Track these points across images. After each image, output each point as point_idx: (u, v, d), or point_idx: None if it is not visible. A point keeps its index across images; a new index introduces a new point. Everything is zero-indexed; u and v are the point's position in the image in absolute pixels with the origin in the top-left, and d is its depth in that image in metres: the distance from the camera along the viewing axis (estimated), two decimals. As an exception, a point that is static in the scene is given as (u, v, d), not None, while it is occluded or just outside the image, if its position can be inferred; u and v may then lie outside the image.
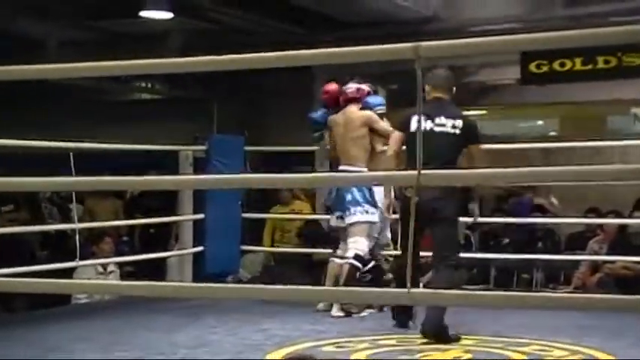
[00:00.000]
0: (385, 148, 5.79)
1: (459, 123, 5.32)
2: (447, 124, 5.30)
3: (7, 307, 7.23)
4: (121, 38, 10.07)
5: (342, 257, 6.08)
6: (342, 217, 6.11)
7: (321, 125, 6.52)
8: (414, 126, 5.21)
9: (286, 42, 6.91)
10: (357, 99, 6.28)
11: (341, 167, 6.17)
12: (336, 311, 5.93)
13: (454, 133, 5.29)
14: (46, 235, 8.77)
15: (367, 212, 6.00)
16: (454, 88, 5.58)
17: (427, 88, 5.41)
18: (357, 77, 6.40)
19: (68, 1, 9.10)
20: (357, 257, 5.91)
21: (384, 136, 5.93)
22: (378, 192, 6.03)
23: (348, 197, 6.03)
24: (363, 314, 5.96)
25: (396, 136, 5.48)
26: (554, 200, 9.51)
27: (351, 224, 6.02)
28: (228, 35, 9.80)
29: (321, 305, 6.02)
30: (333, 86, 6.46)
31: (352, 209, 6.02)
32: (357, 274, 5.90)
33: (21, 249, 8.09)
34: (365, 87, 6.34)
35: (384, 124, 6.13)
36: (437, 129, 5.26)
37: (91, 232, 8.01)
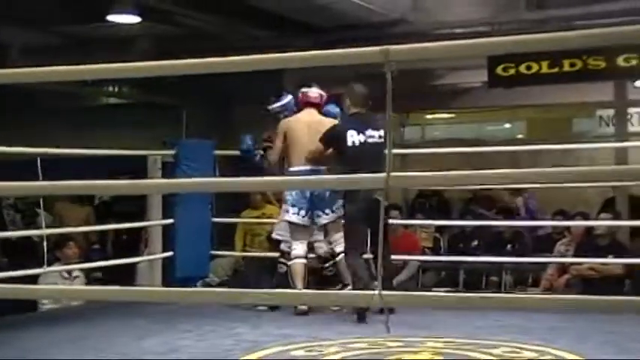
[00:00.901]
0: None
1: (382, 132, 5.97)
2: (375, 135, 5.98)
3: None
4: (87, 42, 10.01)
5: (301, 256, 6.24)
6: (317, 216, 6.25)
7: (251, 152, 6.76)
8: (349, 140, 5.92)
9: (256, 47, 6.92)
10: (319, 104, 6.40)
11: (302, 167, 6.18)
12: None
13: (381, 142, 5.94)
14: (7, 242, 8.67)
15: (340, 208, 6.22)
16: (370, 102, 6.14)
17: (347, 102, 6.19)
18: (316, 84, 6.49)
19: (35, 5, 9.02)
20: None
21: None
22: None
23: (327, 195, 6.20)
24: (334, 308, 5.98)
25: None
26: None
27: (333, 220, 6.26)
28: (197, 40, 9.77)
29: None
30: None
31: (333, 207, 6.22)
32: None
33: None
34: (326, 94, 6.49)
35: None
36: (370, 140, 5.96)
37: (57, 237, 7.94)
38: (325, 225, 6.34)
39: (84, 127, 11.81)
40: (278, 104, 6.70)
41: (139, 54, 9.73)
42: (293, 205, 6.27)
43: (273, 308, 6.09)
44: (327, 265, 6.52)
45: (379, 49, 2.35)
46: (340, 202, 6.19)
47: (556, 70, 8.92)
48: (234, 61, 2.71)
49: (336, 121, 6.30)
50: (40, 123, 11.58)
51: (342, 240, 6.18)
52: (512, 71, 9.10)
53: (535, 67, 9.00)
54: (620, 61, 8.69)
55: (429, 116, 13.29)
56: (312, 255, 6.57)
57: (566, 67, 8.87)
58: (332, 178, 3.23)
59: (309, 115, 6.37)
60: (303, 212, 6.27)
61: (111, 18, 9.25)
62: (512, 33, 8.24)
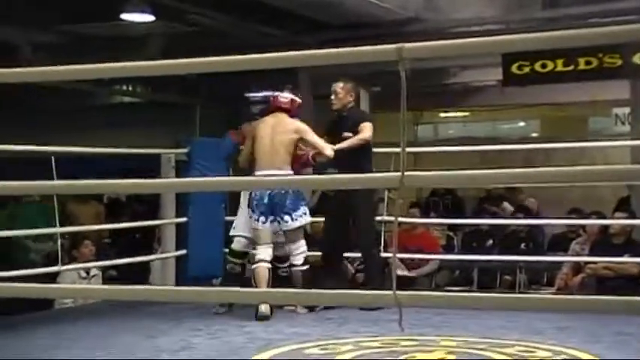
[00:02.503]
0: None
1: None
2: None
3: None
4: (101, 41, 10.03)
5: (266, 260, 6.11)
6: (277, 222, 6.11)
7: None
8: None
9: (269, 45, 6.92)
10: (289, 110, 6.29)
11: (265, 171, 6.05)
12: (301, 308, 6.03)
13: None
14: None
15: (305, 214, 6.20)
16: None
17: (350, 98, 6.43)
18: (289, 87, 6.40)
19: (49, 4, 9.05)
20: (306, 261, 6.23)
21: (315, 147, 6.21)
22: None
23: (288, 201, 6.10)
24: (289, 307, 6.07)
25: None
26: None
27: (294, 229, 6.17)
28: (210, 38, 9.78)
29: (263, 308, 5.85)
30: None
31: (294, 214, 6.12)
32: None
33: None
34: (298, 99, 6.37)
35: (315, 136, 6.25)
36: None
37: (71, 236, 7.97)
38: (285, 232, 6.22)
39: (98, 125, 11.85)
40: (260, 95, 6.68)
41: (153, 52, 9.75)
42: (253, 210, 6.14)
43: (230, 306, 6.16)
44: (282, 265, 6.48)
45: (394, 46, 2.33)
46: (303, 210, 6.16)
47: (571, 68, 8.87)
48: (247, 60, 2.70)
49: (303, 124, 6.24)
50: (54, 122, 11.62)
51: (301, 250, 6.17)
52: (527, 69, 9.06)
53: (550, 65, 8.95)
54: (636, 58, 8.64)
55: (442, 115, 13.26)
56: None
57: (582, 65, 8.83)
58: (345, 177, 3.21)
59: (275, 118, 6.25)
60: (263, 218, 6.11)
61: (125, 17, 9.27)
62: (526, 31, 8.23)
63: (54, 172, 5.95)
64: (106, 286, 6.22)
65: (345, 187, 5.04)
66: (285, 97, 6.29)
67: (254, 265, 6.15)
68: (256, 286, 6.00)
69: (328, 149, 6.18)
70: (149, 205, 8.70)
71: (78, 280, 7.28)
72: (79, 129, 11.20)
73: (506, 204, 9.42)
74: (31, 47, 9.79)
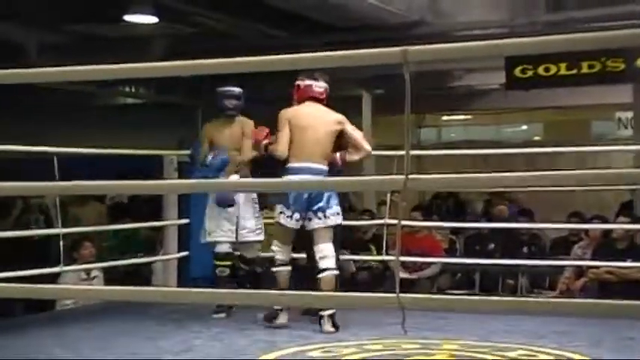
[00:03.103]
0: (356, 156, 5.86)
1: None
2: None
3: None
4: (104, 42, 10.04)
5: (287, 263, 5.75)
6: (307, 219, 5.65)
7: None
8: None
9: (271, 46, 6.90)
10: (323, 100, 5.85)
11: (304, 164, 5.61)
12: (328, 327, 5.53)
13: None
14: (27, 242, 8.71)
15: (338, 214, 5.75)
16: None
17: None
18: (323, 74, 5.88)
19: (52, 4, 9.06)
20: (338, 266, 5.77)
21: (354, 142, 5.83)
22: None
23: (325, 199, 5.64)
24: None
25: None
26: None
27: (324, 228, 5.66)
28: (213, 40, 9.79)
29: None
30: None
31: (328, 211, 5.66)
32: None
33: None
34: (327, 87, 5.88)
35: (356, 130, 5.93)
36: None
37: (73, 238, 7.96)
38: (313, 231, 5.69)
39: (100, 126, 11.85)
40: (235, 89, 6.40)
41: (156, 54, 9.76)
42: (287, 206, 5.64)
43: (230, 307, 6.08)
44: (248, 267, 6.40)
45: (398, 49, 2.33)
46: (337, 208, 5.71)
47: (574, 71, 8.87)
48: (251, 62, 2.70)
49: (339, 116, 5.81)
50: (56, 122, 11.63)
51: (330, 252, 5.63)
52: (530, 73, 9.06)
53: (553, 69, 8.95)
54: (640, 62, 8.64)
55: (445, 118, 13.26)
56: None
57: (585, 69, 8.82)
58: (348, 180, 3.21)
59: (313, 108, 5.79)
60: (297, 215, 5.66)
61: (128, 18, 9.27)
62: (530, 35, 8.21)
63: (56, 173, 5.95)
64: (107, 287, 6.21)
65: (349, 189, 5.02)
66: (320, 86, 5.82)
67: (276, 269, 5.75)
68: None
69: (368, 145, 5.87)
70: (150, 206, 8.69)
71: (78, 282, 7.27)
72: (81, 129, 11.21)
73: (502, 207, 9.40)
74: (35, 47, 9.79)
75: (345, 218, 8.83)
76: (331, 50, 2.59)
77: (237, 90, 6.44)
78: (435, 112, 12.52)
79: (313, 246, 5.69)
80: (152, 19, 9.26)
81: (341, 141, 5.82)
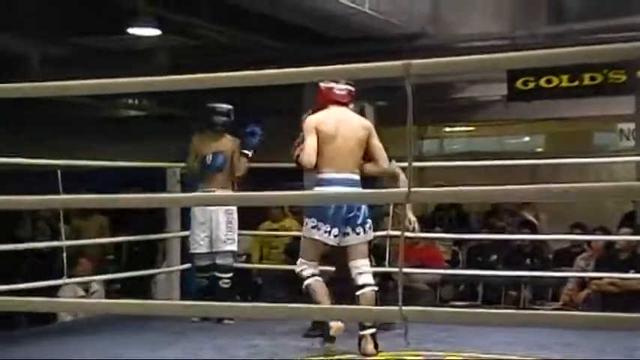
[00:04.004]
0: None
1: None
2: None
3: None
4: (107, 55, 10.06)
5: (318, 275, 5.29)
6: (343, 234, 5.22)
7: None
8: None
9: (274, 59, 6.91)
10: (347, 103, 5.43)
11: (338, 175, 5.20)
12: (370, 348, 5.11)
13: None
14: (32, 254, 8.72)
15: (371, 229, 5.36)
16: None
17: None
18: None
19: (54, 17, 9.08)
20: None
21: (373, 153, 5.39)
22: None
23: (365, 211, 5.25)
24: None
25: None
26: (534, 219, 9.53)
27: (359, 244, 5.24)
28: (216, 53, 9.80)
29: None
30: None
31: (365, 226, 5.25)
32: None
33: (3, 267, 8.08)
34: (353, 89, 5.46)
35: (378, 141, 5.48)
36: None
37: (77, 251, 7.97)
38: (348, 247, 5.25)
39: (103, 139, 11.86)
40: (224, 106, 6.53)
41: (159, 67, 9.78)
42: (323, 221, 5.18)
43: (204, 319, 6.15)
44: (226, 275, 6.48)
45: (400, 63, 2.33)
46: (370, 223, 5.31)
47: (576, 83, 8.88)
48: (253, 76, 2.71)
49: (366, 122, 5.45)
50: (59, 136, 11.63)
51: (368, 268, 5.28)
52: (531, 85, 9.07)
53: (555, 81, 8.96)
54: (641, 74, 8.66)
55: (447, 129, 13.26)
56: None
57: (587, 81, 8.84)
58: (352, 193, 3.21)
59: (339, 112, 5.34)
60: (336, 230, 5.19)
61: (131, 31, 9.29)
62: (531, 46, 8.24)
63: (60, 186, 5.96)
64: (109, 301, 6.21)
65: (352, 202, 4.88)
66: (342, 88, 5.36)
67: (308, 281, 5.23)
68: (317, 302, 5.13)
69: (386, 163, 5.45)
70: (153, 219, 8.69)
71: (77, 297, 7.25)
72: (84, 142, 11.22)
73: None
74: (38, 59, 9.82)
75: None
76: (333, 62, 2.60)
77: (226, 107, 6.63)
78: (437, 124, 12.51)
79: (349, 262, 5.24)
80: (155, 32, 9.28)
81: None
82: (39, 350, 5.51)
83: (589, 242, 8.01)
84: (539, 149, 12.82)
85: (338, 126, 5.27)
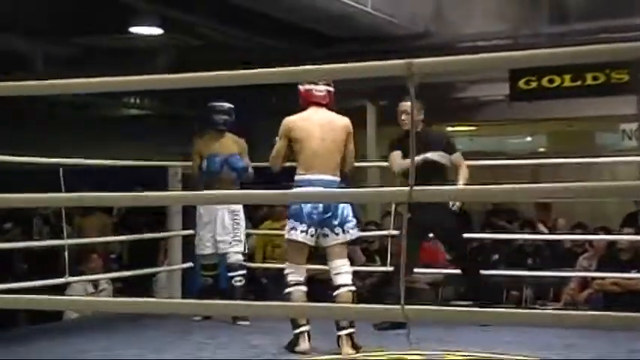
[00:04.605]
0: None
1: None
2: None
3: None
4: (109, 54, 10.07)
5: (302, 283, 5.26)
6: (324, 235, 5.23)
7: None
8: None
9: (276, 58, 6.88)
10: (327, 104, 5.39)
11: (319, 176, 5.19)
12: (347, 349, 5.18)
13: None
14: (32, 254, 8.74)
15: (356, 227, 5.35)
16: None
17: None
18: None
19: (57, 16, 9.09)
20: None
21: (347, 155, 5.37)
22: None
23: (345, 212, 5.25)
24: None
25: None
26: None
27: (343, 242, 5.28)
28: (218, 51, 9.81)
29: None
30: None
31: (346, 226, 5.24)
32: None
33: (9, 266, 8.10)
34: (332, 89, 5.39)
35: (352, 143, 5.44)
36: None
37: (79, 249, 7.98)
38: (328, 247, 5.27)
39: (104, 138, 11.85)
40: (225, 105, 6.48)
41: (160, 66, 9.79)
42: (300, 221, 5.18)
43: (206, 317, 6.16)
44: (238, 274, 6.45)
45: (403, 62, 2.33)
46: (354, 222, 5.30)
47: (579, 83, 8.88)
48: (255, 74, 2.70)
49: (345, 119, 5.40)
50: (60, 134, 11.64)
51: (346, 269, 5.27)
52: (534, 84, 9.07)
53: (557, 81, 8.96)
54: (644, 74, 8.66)
55: (450, 129, 13.23)
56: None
57: (589, 81, 8.83)
58: (353, 192, 3.21)
59: (319, 113, 5.32)
60: (312, 230, 5.20)
61: (133, 30, 9.30)
62: (534, 46, 8.23)
63: (62, 184, 5.96)
64: (112, 299, 6.23)
65: (354, 201, 4.90)
66: (321, 89, 5.34)
67: (289, 289, 5.25)
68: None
69: (351, 166, 5.43)
70: (154, 217, 8.70)
71: (86, 295, 7.29)
72: (85, 141, 11.22)
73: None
74: (41, 59, 9.83)
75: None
76: (335, 62, 2.60)
77: (227, 105, 6.56)
78: (440, 123, 12.49)
79: (327, 262, 5.30)
80: (157, 31, 9.29)
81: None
82: (42, 348, 5.51)
83: (591, 242, 8.01)
84: (542, 149, 12.80)
85: (317, 127, 5.27)
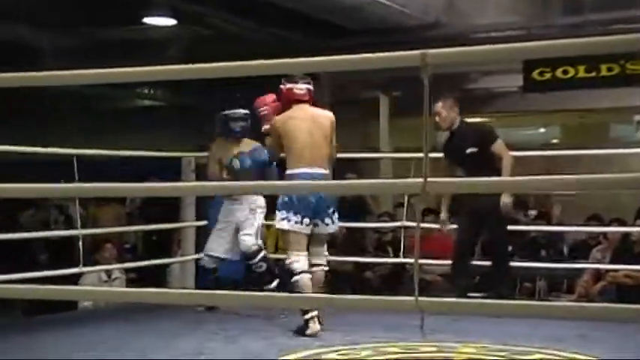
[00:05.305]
0: None
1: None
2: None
3: (9, 312, 7.25)
4: (122, 45, 10.09)
5: (305, 270, 5.52)
6: (315, 224, 5.51)
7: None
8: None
9: (290, 49, 6.90)
10: (308, 101, 5.65)
11: (307, 169, 5.42)
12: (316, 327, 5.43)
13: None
14: (49, 242, 8.79)
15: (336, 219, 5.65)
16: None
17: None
18: (303, 77, 5.67)
19: (71, 7, 9.11)
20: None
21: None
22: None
23: (332, 203, 5.56)
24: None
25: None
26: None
27: (329, 233, 5.66)
28: (231, 42, 9.81)
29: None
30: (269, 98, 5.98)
31: (334, 217, 5.58)
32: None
33: (25, 254, 8.15)
34: (312, 88, 5.68)
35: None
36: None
37: (93, 239, 8.02)
38: (316, 235, 5.56)
39: (118, 128, 11.89)
40: (240, 111, 6.43)
41: (174, 56, 9.80)
42: (295, 212, 5.43)
43: (209, 308, 6.19)
44: (255, 260, 6.43)
45: (417, 53, 2.33)
46: (336, 214, 5.60)
47: (593, 74, 8.83)
48: (269, 65, 2.71)
49: (329, 114, 5.66)
50: (75, 125, 11.68)
51: (325, 253, 5.67)
52: (548, 75, 9.03)
53: (571, 72, 8.92)
54: (659, 65, 8.61)
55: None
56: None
57: (604, 72, 8.79)
58: (367, 183, 3.21)
59: (304, 110, 5.58)
60: (307, 220, 5.46)
61: (147, 20, 9.31)
62: (547, 37, 8.20)
63: (75, 175, 5.98)
64: (125, 289, 6.25)
65: (367, 192, 4.99)
66: (301, 88, 5.62)
67: (296, 277, 5.45)
68: None
69: (335, 156, 5.70)
70: (168, 208, 8.72)
71: (99, 283, 7.33)
72: (98, 132, 11.26)
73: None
74: (53, 51, 9.86)
75: (362, 220, 8.87)
76: (348, 53, 2.60)
77: (242, 112, 6.48)
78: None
79: (310, 247, 5.57)
80: (170, 22, 9.30)
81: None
82: (52, 338, 5.54)
83: (605, 234, 7.98)
84: (555, 140, 12.77)
85: (304, 123, 5.53)
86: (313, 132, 5.50)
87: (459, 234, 6.47)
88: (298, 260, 5.47)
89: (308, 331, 5.40)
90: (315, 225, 5.51)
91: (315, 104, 5.72)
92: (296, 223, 5.44)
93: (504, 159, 6.23)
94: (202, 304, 5.95)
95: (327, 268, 5.70)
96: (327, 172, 5.50)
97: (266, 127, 5.84)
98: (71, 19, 9.51)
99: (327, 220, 5.53)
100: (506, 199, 6.12)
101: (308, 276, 5.47)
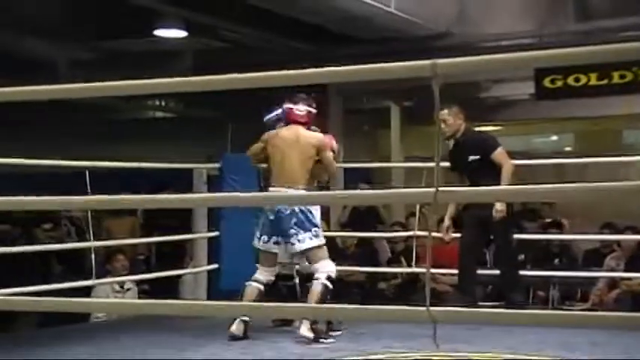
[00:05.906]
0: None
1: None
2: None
3: (17, 325, 7.27)
4: (134, 57, 10.12)
5: (260, 282, 5.87)
6: (278, 243, 5.83)
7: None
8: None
9: (300, 60, 6.90)
10: (306, 122, 5.94)
11: (275, 189, 5.77)
12: (305, 331, 5.58)
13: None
14: (62, 254, 8.81)
15: (317, 236, 5.77)
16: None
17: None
18: (305, 98, 5.97)
19: (83, 19, 9.16)
20: (329, 278, 5.72)
21: (325, 165, 5.93)
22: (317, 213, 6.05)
23: (293, 221, 5.71)
24: (330, 340, 5.61)
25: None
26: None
27: (306, 250, 5.76)
28: (241, 54, 9.84)
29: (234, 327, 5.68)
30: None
31: (300, 235, 5.72)
32: (327, 295, 5.69)
33: (39, 267, 8.17)
34: (313, 110, 5.99)
35: (330, 153, 5.97)
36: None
37: (106, 250, 8.03)
38: (299, 253, 5.87)
39: (130, 140, 11.93)
40: (273, 114, 6.46)
41: (185, 68, 9.83)
42: (262, 233, 5.86)
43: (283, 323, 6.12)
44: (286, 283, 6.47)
45: (428, 62, 2.32)
46: (313, 232, 5.73)
47: (605, 81, 8.81)
48: (278, 76, 2.71)
49: (322, 137, 5.94)
50: (86, 137, 11.73)
51: (326, 270, 5.72)
52: (559, 83, 9.01)
53: (583, 79, 8.90)
54: (671, 72, 8.57)
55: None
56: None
57: (616, 79, 8.76)
58: (379, 193, 3.20)
59: (290, 131, 5.89)
60: (265, 237, 5.85)
61: (158, 33, 9.35)
62: (558, 45, 8.19)
63: (88, 187, 6.00)
64: (137, 301, 6.26)
65: (379, 202, 4.99)
66: (301, 110, 5.92)
67: (246, 282, 5.91)
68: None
69: (335, 170, 6.11)
70: (180, 219, 8.73)
71: (112, 295, 7.33)
72: (111, 143, 11.29)
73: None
74: (66, 63, 9.91)
75: (374, 230, 8.86)
76: (358, 63, 2.60)
77: (274, 115, 6.45)
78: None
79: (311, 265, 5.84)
80: (181, 34, 9.33)
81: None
82: (68, 349, 5.54)
83: (619, 242, 7.94)
84: (568, 148, 12.73)
85: (284, 144, 5.85)
86: (290, 154, 5.81)
87: (464, 241, 6.44)
88: (259, 272, 5.91)
89: (322, 339, 5.54)
90: (286, 243, 5.81)
91: (323, 118, 5.87)
92: (264, 242, 5.87)
93: (504, 167, 6.24)
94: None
95: (325, 281, 5.68)
96: (293, 192, 5.68)
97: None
98: (84, 33, 9.55)
99: (293, 240, 5.73)
100: (498, 206, 6.10)
101: (256, 285, 5.84)
